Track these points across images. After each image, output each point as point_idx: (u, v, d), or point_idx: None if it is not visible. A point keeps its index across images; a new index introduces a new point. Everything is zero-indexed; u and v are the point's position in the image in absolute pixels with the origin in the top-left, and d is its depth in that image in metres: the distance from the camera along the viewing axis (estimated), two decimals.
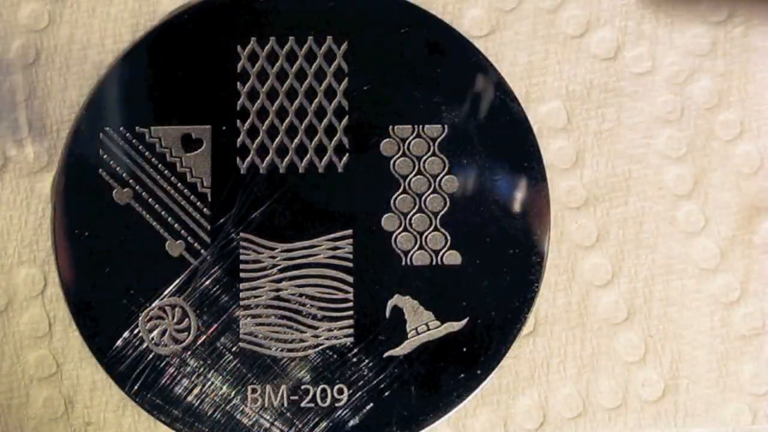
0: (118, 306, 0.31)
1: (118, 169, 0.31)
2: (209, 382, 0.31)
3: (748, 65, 0.32)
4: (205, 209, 0.31)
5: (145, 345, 0.31)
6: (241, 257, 0.31)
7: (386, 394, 0.30)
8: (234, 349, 0.31)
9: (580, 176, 0.32)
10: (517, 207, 0.31)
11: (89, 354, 0.31)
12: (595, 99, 0.32)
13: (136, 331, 0.31)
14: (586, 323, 0.31)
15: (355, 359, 0.31)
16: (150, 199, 0.31)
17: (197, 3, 0.32)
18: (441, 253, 0.31)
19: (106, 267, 0.31)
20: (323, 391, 0.30)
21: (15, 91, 0.32)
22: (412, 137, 0.31)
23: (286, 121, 0.32)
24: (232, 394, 0.30)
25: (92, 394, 0.31)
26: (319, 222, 0.31)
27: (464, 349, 0.30)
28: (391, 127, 0.31)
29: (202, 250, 0.31)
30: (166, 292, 0.31)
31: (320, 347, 0.31)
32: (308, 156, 0.31)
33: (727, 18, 0.32)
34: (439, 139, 0.31)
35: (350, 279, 0.31)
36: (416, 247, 0.31)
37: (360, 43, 0.32)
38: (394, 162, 0.31)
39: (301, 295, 0.31)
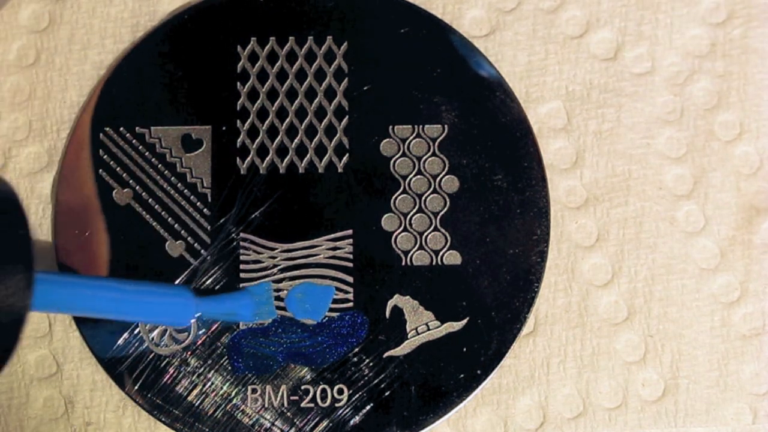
0: None
1: (118, 169, 0.31)
2: (209, 382, 0.30)
3: (747, 67, 0.32)
4: (205, 209, 0.31)
5: (145, 345, 0.31)
6: (241, 257, 0.31)
7: (386, 394, 0.30)
8: None
9: (580, 176, 0.32)
10: (517, 207, 0.31)
11: (89, 354, 0.31)
12: (595, 99, 0.32)
13: (136, 331, 0.31)
14: (586, 323, 0.31)
15: (355, 359, 0.30)
16: (150, 200, 0.31)
17: (197, 3, 0.32)
18: (441, 253, 0.31)
19: (106, 267, 0.31)
20: (323, 391, 0.30)
21: (15, 92, 0.32)
22: (412, 137, 0.31)
23: (286, 121, 0.32)
24: (233, 393, 0.30)
25: (92, 394, 0.31)
26: (319, 222, 0.31)
27: (464, 349, 0.30)
28: (391, 127, 0.31)
29: (202, 250, 0.31)
30: None
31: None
32: (308, 156, 0.31)
33: (727, 19, 0.32)
34: (439, 139, 0.31)
35: (350, 279, 0.31)
36: (416, 247, 0.31)
37: (360, 43, 0.32)
38: (394, 162, 0.31)
39: None
